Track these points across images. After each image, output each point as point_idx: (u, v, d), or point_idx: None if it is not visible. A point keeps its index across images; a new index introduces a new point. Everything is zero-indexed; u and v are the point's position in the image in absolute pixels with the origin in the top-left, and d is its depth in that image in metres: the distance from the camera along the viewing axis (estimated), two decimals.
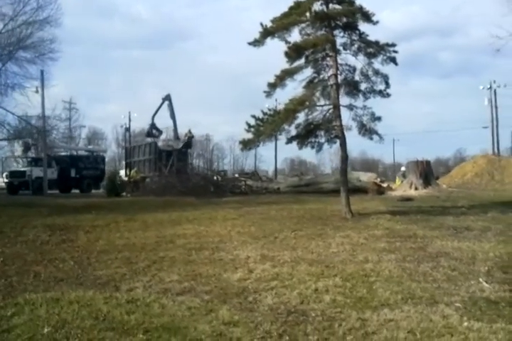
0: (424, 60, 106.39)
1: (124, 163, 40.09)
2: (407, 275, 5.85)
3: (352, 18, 11.82)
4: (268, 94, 12.16)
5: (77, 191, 31.59)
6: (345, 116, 12.17)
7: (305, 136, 12.53)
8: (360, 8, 11.76)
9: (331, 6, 12.11)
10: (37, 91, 25.64)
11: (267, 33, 12.10)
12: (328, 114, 12.25)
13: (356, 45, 12.36)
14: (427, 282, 5.53)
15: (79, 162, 33.08)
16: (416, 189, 21.22)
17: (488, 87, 42.51)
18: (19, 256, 7.49)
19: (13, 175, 28.70)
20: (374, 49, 12.07)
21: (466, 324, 4.16)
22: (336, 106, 11.97)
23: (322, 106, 12.17)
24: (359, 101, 12.37)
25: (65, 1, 33.75)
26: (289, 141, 12.36)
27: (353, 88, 12.47)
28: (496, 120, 41.26)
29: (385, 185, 23.54)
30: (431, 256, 6.91)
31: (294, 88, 12.12)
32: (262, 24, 12.07)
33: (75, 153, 36.31)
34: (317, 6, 12.07)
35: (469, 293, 5.10)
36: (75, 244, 8.62)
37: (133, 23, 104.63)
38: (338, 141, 12.36)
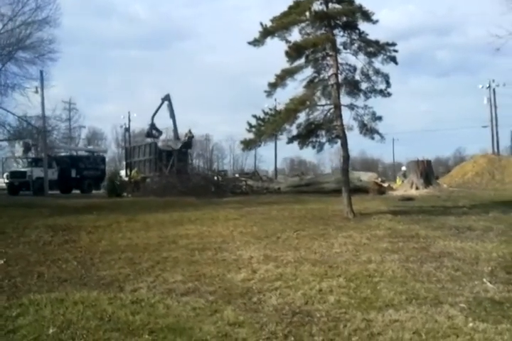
0: (422, 59, 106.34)
1: (124, 163, 40.12)
2: (410, 275, 5.85)
3: (352, 17, 11.82)
4: (269, 94, 12.16)
5: (77, 191, 31.61)
6: (346, 115, 12.19)
7: (306, 135, 12.53)
8: (360, 8, 11.76)
9: (330, 5, 12.11)
10: (36, 92, 25.67)
11: (266, 32, 12.10)
12: (329, 114, 12.26)
13: (356, 45, 12.37)
14: (430, 282, 5.52)
15: (79, 162, 33.10)
16: (417, 189, 21.25)
17: (487, 86, 42.58)
18: (22, 256, 7.48)
19: (13, 175, 28.71)
20: (374, 48, 12.07)
21: (471, 325, 4.15)
22: (337, 106, 11.97)
23: (323, 105, 12.19)
24: (360, 101, 12.39)
25: (63, 1, 33.65)
26: (290, 140, 12.36)
27: (353, 87, 12.47)
28: (495, 119, 41.34)
29: (385, 184, 23.57)
30: (434, 256, 6.90)
31: (294, 88, 12.15)
32: (261, 24, 12.08)
33: (75, 154, 36.31)
34: (317, 6, 12.10)
35: (473, 293, 5.09)
36: (78, 244, 8.61)
37: (131, 22, 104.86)
38: (339, 141, 12.37)
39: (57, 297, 5.01)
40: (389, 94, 12.13)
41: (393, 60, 11.92)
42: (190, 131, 33.62)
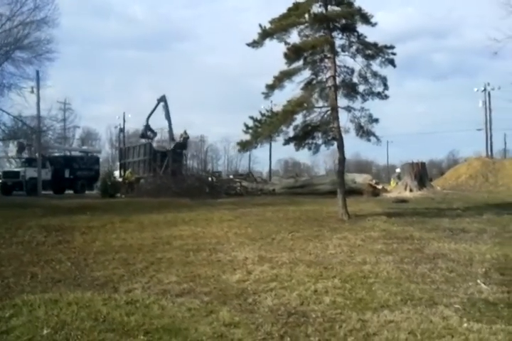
0: (419, 62, 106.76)
1: (118, 163, 39.96)
2: (405, 276, 5.86)
3: (351, 19, 11.87)
4: (266, 96, 12.20)
5: (71, 192, 31.45)
6: (343, 117, 12.23)
7: (302, 137, 12.55)
8: (359, 10, 11.81)
9: (329, 7, 12.16)
10: (32, 92, 25.55)
11: (265, 34, 12.13)
12: (325, 116, 12.30)
13: (355, 47, 12.42)
14: (425, 283, 5.54)
15: (73, 163, 32.92)
16: (411, 191, 21.33)
17: (483, 89, 42.83)
18: (15, 257, 7.44)
19: (6, 175, 28.51)
20: (372, 51, 12.13)
21: (465, 325, 4.16)
22: (334, 108, 12.00)
23: (320, 107, 12.20)
24: (357, 103, 12.42)
25: (61, 1, 33.52)
26: (287, 142, 12.37)
27: (351, 90, 12.51)
28: (489, 122, 41.57)
29: (380, 186, 23.64)
30: (428, 258, 6.93)
31: (292, 89, 12.17)
32: (260, 25, 12.11)
33: (69, 154, 36.13)
34: (316, 8, 12.14)
35: (468, 294, 5.11)
36: (71, 245, 8.58)
37: (129, 23, 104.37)
38: (335, 143, 12.39)
39: (51, 297, 4.97)
40: (386, 97, 12.20)
41: (391, 62, 11.98)
42: (185, 132, 33.55)
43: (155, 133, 33.94)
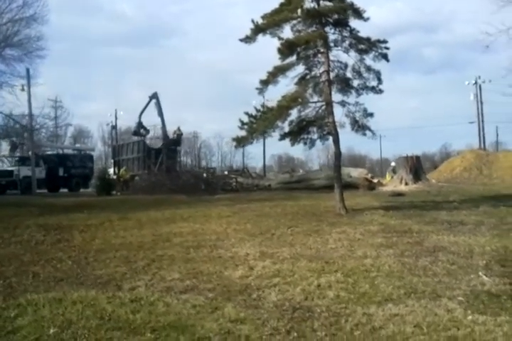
0: (409, 56, 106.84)
1: (111, 161, 39.78)
2: (407, 270, 5.89)
3: (343, 14, 11.83)
4: (261, 91, 12.15)
5: (65, 190, 31.30)
6: (338, 112, 12.22)
7: (297, 132, 12.54)
8: (351, 5, 11.78)
9: (321, 2, 12.12)
10: (23, 90, 25.34)
11: (258, 29, 12.08)
12: (320, 111, 12.28)
13: (347, 42, 12.39)
14: (427, 276, 5.57)
15: (67, 161, 32.74)
16: (406, 184, 21.42)
17: (474, 82, 43.04)
18: (15, 256, 7.40)
19: (0, 174, 28.32)
20: (365, 45, 12.11)
21: (470, 317, 4.20)
22: (329, 103, 12.00)
23: (315, 102, 12.19)
24: (351, 98, 12.41)
25: None
26: (282, 137, 12.35)
27: (345, 85, 12.49)
28: (481, 115, 41.79)
29: (375, 180, 23.70)
30: (428, 251, 6.97)
31: (286, 85, 12.14)
32: (253, 21, 12.06)
33: (62, 152, 35.93)
34: (308, 3, 12.11)
35: (470, 286, 5.15)
36: (71, 243, 8.54)
37: (117, 20, 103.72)
38: (330, 138, 12.41)
39: (55, 297, 4.96)
40: (381, 91, 12.19)
41: (384, 57, 11.98)
42: (179, 129, 33.48)
43: (147, 131, 33.77)
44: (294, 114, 12.19)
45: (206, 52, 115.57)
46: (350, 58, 12.33)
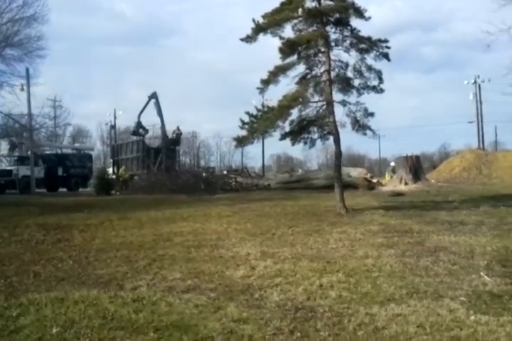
0: (408, 55, 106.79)
1: (110, 160, 39.77)
2: (408, 270, 5.89)
3: (345, 14, 11.83)
4: (261, 91, 12.20)
5: (64, 190, 31.27)
6: (338, 112, 12.23)
7: (298, 132, 12.56)
8: (353, 4, 11.78)
9: (322, 1, 12.13)
10: (22, 89, 25.30)
11: (259, 29, 12.09)
12: (321, 110, 12.29)
13: (348, 41, 12.41)
14: (429, 276, 5.57)
15: (66, 160, 32.71)
16: (406, 184, 21.45)
17: (473, 81, 43.10)
18: (16, 256, 7.39)
19: None
20: (366, 45, 12.12)
21: (473, 317, 4.19)
22: (329, 103, 12.01)
23: (316, 102, 12.19)
24: (352, 97, 12.43)
25: None
26: (283, 137, 12.36)
27: (345, 84, 12.51)
28: (481, 115, 41.84)
29: (375, 180, 23.72)
30: (429, 251, 6.97)
31: (286, 84, 12.16)
32: (254, 20, 12.06)
33: (61, 152, 35.90)
34: (309, 2, 12.11)
35: (472, 286, 5.14)
36: (71, 243, 8.53)
37: (116, 19, 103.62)
38: (331, 137, 12.41)
39: (57, 296, 4.95)
40: (382, 90, 12.20)
41: (385, 56, 11.99)
42: (178, 128, 33.46)
43: (146, 131, 33.74)
44: (294, 113, 12.23)
45: (206, 51, 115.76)
46: (351, 58, 12.37)
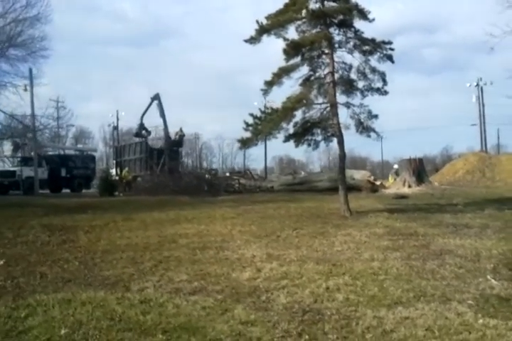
0: (410, 57, 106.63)
1: (112, 161, 39.84)
2: (415, 273, 5.88)
3: (349, 15, 11.84)
4: (265, 92, 12.20)
5: (67, 191, 31.34)
6: (342, 114, 12.24)
7: (302, 134, 12.57)
8: (356, 6, 11.79)
9: (326, 3, 12.15)
10: (25, 90, 25.34)
11: (263, 30, 12.11)
12: (325, 112, 12.30)
13: (352, 43, 12.41)
14: (435, 280, 5.55)
15: (69, 161, 32.79)
16: (409, 186, 21.42)
17: (476, 84, 43.09)
18: (22, 257, 7.39)
19: (2, 175, 28.32)
20: (370, 46, 12.13)
21: (481, 321, 4.18)
22: (333, 105, 12.01)
23: (320, 104, 12.20)
24: (356, 99, 12.43)
25: None
26: (287, 139, 12.36)
27: (349, 86, 12.50)
28: (483, 117, 41.83)
29: (378, 182, 23.70)
30: (435, 254, 6.95)
31: (290, 86, 12.17)
32: (257, 21, 12.09)
33: (65, 153, 35.99)
34: (312, 4, 12.13)
35: (479, 290, 5.13)
36: (77, 244, 8.53)
37: (118, 20, 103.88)
38: (335, 139, 12.42)
39: (64, 297, 4.95)
40: (386, 93, 12.20)
41: (389, 58, 12.00)
42: (181, 130, 33.57)
43: (149, 132, 33.85)
44: (298, 115, 12.25)
45: (208, 53, 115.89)
46: (355, 59, 12.37)
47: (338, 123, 11.99)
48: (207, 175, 27.10)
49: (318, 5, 12.09)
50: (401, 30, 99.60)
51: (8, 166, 29.52)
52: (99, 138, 72.45)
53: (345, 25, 12.28)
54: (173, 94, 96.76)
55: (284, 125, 11.93)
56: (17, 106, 22.84)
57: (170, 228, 9.99)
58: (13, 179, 27.63)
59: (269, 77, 11.99)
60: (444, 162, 53.82)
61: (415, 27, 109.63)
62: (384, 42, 12.13)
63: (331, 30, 12.25)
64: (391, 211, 11.90)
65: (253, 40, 12.28)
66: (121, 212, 12.88)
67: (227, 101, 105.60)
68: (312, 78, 12.54)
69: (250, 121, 12.05)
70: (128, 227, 10.26)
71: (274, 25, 12.09)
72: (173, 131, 33.38)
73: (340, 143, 12.08)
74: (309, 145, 12.92)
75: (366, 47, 12.25)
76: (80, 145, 47.36)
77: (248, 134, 11.98)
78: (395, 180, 24.90)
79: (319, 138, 12.83)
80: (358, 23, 12.17)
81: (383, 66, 12.30)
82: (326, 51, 12.19)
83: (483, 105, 42.15)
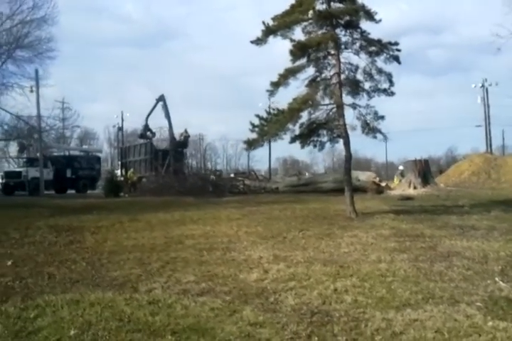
0: (415, 58, 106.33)
1: (117, 162, 39.97)
2: (422, 275, 5.86)
3: (355, 16, 11.80)
4: (271, 93, 12.19)
5: (72, 191, 31.44)
6: (348, 115, 12.21)
7: (308, 135, 12.54)
8: (363, 7, 11.77)
9: (332, 4, 12.13)
10: (31, 91, 25.46)
11: (269, 31, 12.10)
12: (331, 113, 12.27)
13: (358, 44, 12.35)
14: (443, 282, 5.53)
15: (74, 162, 32.94)
16: (415, 188, 21.35)
17: (481, 85, 42.99)
18: (29, 257, 7.42)
19: (8, 175, 28.49)
20: (377, 47, 12.08)
21: (491, 323, 4.16)
22: (339, 106, 11.99)
23: (326, 105, 12.18)
24: (363, 100, 12.40)
25: None
26: (293, 140, 12.34)
27: (355, 87, 12.48)
28: (488, 119, 41.71)
29: (383, 184, 23.65)
30: (443, 256, 6.93)
31: (296, 87, 12.15)
32: (264, 22, 12.08)
33: (70, 154, 36.13)
34: (319, 5, 12.12)
35: (488, 292, 5.11)
36: (83, 245, 8.56)
37: (123, 21, 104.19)
38: (341, 141, 12.40)
39: (73, 298, 4.97)
40: (392, 93, 12.16)
41: (396, 59, 11.96)
42: (186, 131, 33.62)
43: (154, 134, 33.93)
44: (304, 116, 12.21)
45: (211, 54, 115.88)
46: (361, 60, 12.34)
47: (344, 124, 11.96)
48: (211, 176, 27.08)
49: (324, 6, 12.09)
50: (406, 31, 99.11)
51: (13, 167, 29.66)
52: (104, 139, 72.64)
53: (352, 26, 12.25)
54: (177, 94, 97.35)
55: (290, 126, 11.92)
56: (23, 108, 23.02)
57: (176, 229, 10.00)
58: (19, 180, 27.78)
59: (273, 78, 12.02)
60: (448, 163, 53.66)
61: (420, 28, 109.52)
62: (390, 43, 12.09)
63: (337, 31, 12.22)
64: (397, 212, 11.86)
65: (259, 42, 12.28)
66: (126, 213, 12.91)
67: (231, 102, 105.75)
68: (318, 79, 12.52)
69: (256, 122, 12.07)
70: (134, 228, 10.28)
71: (280, 26, 12.08)
72: (177, 132, 33.50)
73: (346, 144, 12.06)
74: (315, 146, 12.91)
75: (372, 48, 12.22)
76: (85, 146, 47.50)
77: (254, 135, 11.98)
78: (400, 181, 24.84)
79: (325, 139, 12.81)
80: (364, 24, 12.17)
81: (390, 67, 12.29)
82: (332, 52, 12.17)
83: (489, 106, 42.07)
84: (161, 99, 32.43)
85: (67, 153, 36.32)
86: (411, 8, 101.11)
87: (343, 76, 12.24)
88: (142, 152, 31.96)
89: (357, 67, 12.48)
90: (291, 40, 11.79)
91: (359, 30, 12.29)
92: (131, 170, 30.01)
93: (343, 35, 12.31)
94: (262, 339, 3.90)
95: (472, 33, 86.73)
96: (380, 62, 12.18)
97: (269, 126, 11.61)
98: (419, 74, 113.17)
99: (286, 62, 12.11)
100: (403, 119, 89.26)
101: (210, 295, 5.13)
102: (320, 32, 12.29)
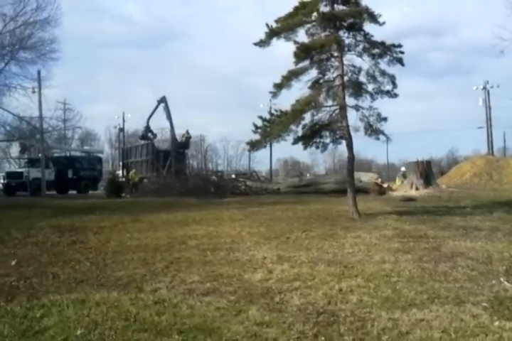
0: (416, 60, 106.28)
1: (118, 163, 39.96)
2: (427, 275, 5.86)
3: (359, 18, 11.82)
4: (274, 95, 12.22)
5: (74, 192, 31.46)
6: (351, 116, 12.22)
7: (310, 136, 12.56)
8: (367, 9, 11.78)
9: (336, 6, 12.15)
10: (34, 92, 25.48)
11: (272, 33, 12.13)
12: (334, 115, 12.28)
13: (361, 46, 12.39)
14: (448, 282, 5.53)
15: (76, 163, 32.94)
16: (417, 189, 21.34)
17: (482, 87, 43.03)
18: (33, 257, 7.43)
19: (10, 176, 28.50)
20: (380, 49, 12.11)
21: (497, 323, 4.16)
22: (342, 107, 11.99)
23: (329, 106, 12.19)
24: (366, 102, 12.41)
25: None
26: (296, 141, 12.35)
27: (358, 89, 12.49)
28: (490, 120, 41.73)
29: (385, 185, 23.64)
30: (447, 256, 6.93)
31: (299, 89, 12.16)
32: (267, 25, 12.10)
33: (71, 154, 36.15)
34: (322, 6, 12.13)
35: (493, 292, 5.11)
36: (87, 245, 8.56)
37: (124, 23, 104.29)
38: (344, 142, 12.41)
39: (78, 297, 4.97)
40: (395, 95, 12.18)
41: (399, 61, 11.97)
42: (187, 132, 33.64)
43: (155, 135, 33.93)
44: (307, 117, 12.22)
45: (213, 55, 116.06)
46: (365, 62, 12.35)
47: (347, 126, 11.97)
48: (213, 177, 27.07)
49: (328, 8, 12.10)
50: (407, 34, 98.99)
51: (15, 167, 29.68)
52: (105, 139, 72.61)
53: (355, 28, 12.28)
54: (179, 95, 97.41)
55: (293, 127, 11.94)
56: (26, 108, 23.07)
57: (179, 229, 10.00)
58: (21, 180, 27.79)
59: (276, 79, 12.05)
60: (449, 165, 53.60)
61: (422, 30, 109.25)
62: (394, 46, 12.11)
63: (341, 33, 12.25)
64: (399, 213, 11.87)
65: (263, 43, 12.30)
66: (128, 214, 12.91)
67: (232, 103, 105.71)
68: (321, 81, 12.54)
69: (259, 123, 12.09)
70: (137, 228, 10.28)
71: (283, 28, 12.10)
72: (179, 133, 33.50)
73: (349, 145, 12.07)
74: (318, 147, 12.93)
75: (376, 51, 12.24)
76: (86, 147, 47.49)
77: (257, 136, 11.99)
78: (402, 182, 24.85)
79: (328, 140, 12.84)
80: (367, 27, 12.19)
81: (392, 69, 12.30)
82: (336, 54, 12.19)
83: (490, 108, 42.10)
84: (163, 100, 32.44)
85: (68, 154, 36.32)
86: (413, 11, 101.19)
87: (346, 78, 12.26)
88: (144, 153, 31.96)
89: (360, 69, 12.51)
90: (295, 42, 11.83)
91: (362, 32, 12.32)
92: (133, 170, 30.00)
93: (347, 38, 12.38)
94: (269, 338, 3.90)
95: (473, 36, 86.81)
96: (383, 64, 12.22)
97: (272, 128, 11.63)
98: (420, 76, 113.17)
99: (288, 63, 12.17)
100: (405, 121, 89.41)
101: (216, 295, 5.13)
102: (323, 34, 12.32)
